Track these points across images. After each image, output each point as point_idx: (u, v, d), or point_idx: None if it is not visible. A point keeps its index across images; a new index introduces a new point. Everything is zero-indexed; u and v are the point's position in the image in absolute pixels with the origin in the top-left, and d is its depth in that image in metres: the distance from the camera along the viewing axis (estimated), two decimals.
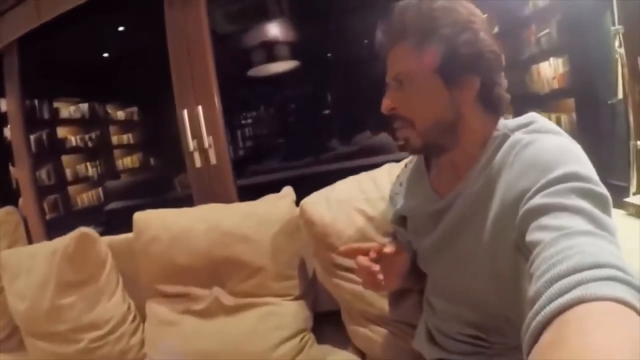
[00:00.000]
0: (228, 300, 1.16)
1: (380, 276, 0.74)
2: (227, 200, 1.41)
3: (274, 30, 2.21)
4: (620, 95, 1.14)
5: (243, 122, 2.65)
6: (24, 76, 1.75)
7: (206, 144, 1.46)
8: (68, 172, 2.74)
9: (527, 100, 2.25)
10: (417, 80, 0.65)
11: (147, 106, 2.93)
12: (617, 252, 0.43)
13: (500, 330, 0.67)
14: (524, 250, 0.52)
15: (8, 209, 1.60)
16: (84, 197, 2.82)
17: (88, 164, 2.89)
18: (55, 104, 2.76)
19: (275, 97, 2.55)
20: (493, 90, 0.65)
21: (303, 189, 1.16)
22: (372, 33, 0.70)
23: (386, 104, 0.68)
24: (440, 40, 0.62)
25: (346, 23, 2.18)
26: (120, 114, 3.07)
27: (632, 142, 1.11)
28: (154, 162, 2.96)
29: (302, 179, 1.89)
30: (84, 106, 2.90)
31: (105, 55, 2.58)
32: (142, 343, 1.25)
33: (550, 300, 0.38)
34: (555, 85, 2.06)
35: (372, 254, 0.74)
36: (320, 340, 1.18)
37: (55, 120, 2.72)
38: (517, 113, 0.68)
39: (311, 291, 1.22)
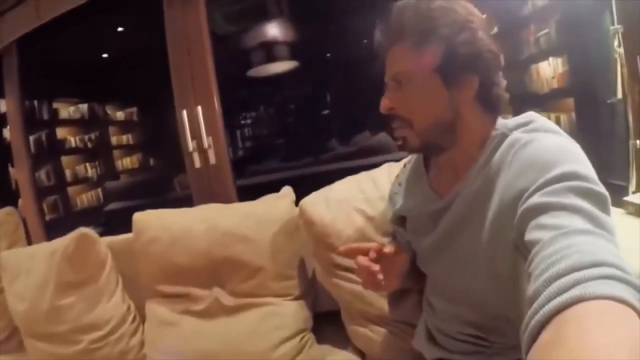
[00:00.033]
0: (228, 300, 1.16)
1: (380, 276, 0.73)
2: (226, 200, 1.41)
3: (274, 30, 2.22)
4: (619, 94, 1.14)
5: (242, 122, 2.66)
6: (24, 77, 1.75)
7: (206, 145, 1.46)
8: (67, 173, 2.74)
9: (526, 100, 2.25)
10: (416, 80, 0.65)
11: (146, 106, 2.93)
12: (615, 251, 0.43)
13: (500, 330, 0.67)
14: (523, 250, 0.51)
15: (7, 209, 1.60)
16: (84, 198, 2.82)
17: (87, 164, 2.89)
18: (55, 105, 2.76)
19: (275, 98, 2.55)
20: (492, 89, 0.65)
21: (302, 189, 1.16)
22: (371, 33, 0.70)
23: (385, 104, 0.69)
24: (439, 40, 0.62)
25: (345, 23, 2.18)
26: (120, 115, 3.07)
27: (631, 142, 1.11)
28: (153, 162, 2.96)
29: (301, 179, 1.89)
30: (84, 107, 2.89)
31: (105, 55, 2.58)
32: (142, 344, 1.25)
33: (549, 299, 0.38)
34: (555, 84, 2.06)
35: (372, 254, 0.74)
36: (320, 340, 1.18)
37: (55, 120, 2.72)
38: (517, 113, 0.68)
39: (311, 291, 1.22)
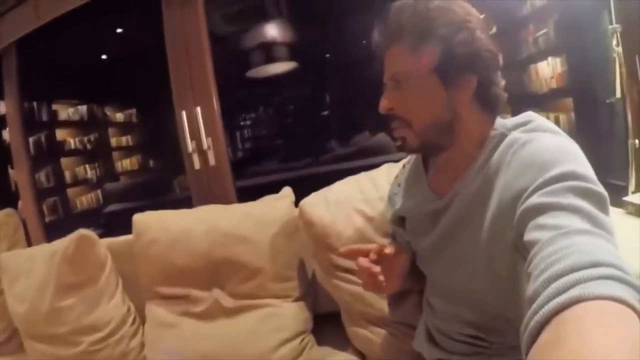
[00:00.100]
0: (228, 302, 1.16)
1: (381, 277, 0.73)
2: (226, 201, 1.41)
3: (273, 31, 2.22)
4: (618, 94, 1.14)
5: (242, 123, 2.66)
6: (23, 78, 1.75)
7: (205, 146, 1.46)
8: (67, 175, 2.74)
9: (525, 99, 2.26)
10: (414, 80, 0.65)
11: (145, 108, 2.93)
12: (614, 251, 0.43)
13: (499, 330, 0.67)
14: (522, 250, 0.51)
15: (7, 211, 1.60)
16: (83, 200, 2.82)
17: (87, 166, 2.89)
18: (54, 106, 2.76)
19: (274, 98, 2.56)
20: (490, 89, 0.65)
21: (302, 190, 1.16)
22: (370, 34, 0.70)
23: (383, 104, 0.69)
24: (437, 40, 0.62)
25: (344, 24, 2.18)
26: (119, 116, 3.07)
27: (630, 141, 1.11)
28: (153, 163, 2.96)
29: (301, 180, 1.89)
30: (83, 108, 2.89)
31: (104, 57, 2.58)
32: (142, 345, 1.25)
33: (549, 300, 0.38)
34: (554, 84, 2.07)
35: (373, 255, 0.74)
36: (320, 341, 1.18)
37: (54, 122, 2.72)
38: (516, 113, 0.68)
39: (311, 292, 1.22)
